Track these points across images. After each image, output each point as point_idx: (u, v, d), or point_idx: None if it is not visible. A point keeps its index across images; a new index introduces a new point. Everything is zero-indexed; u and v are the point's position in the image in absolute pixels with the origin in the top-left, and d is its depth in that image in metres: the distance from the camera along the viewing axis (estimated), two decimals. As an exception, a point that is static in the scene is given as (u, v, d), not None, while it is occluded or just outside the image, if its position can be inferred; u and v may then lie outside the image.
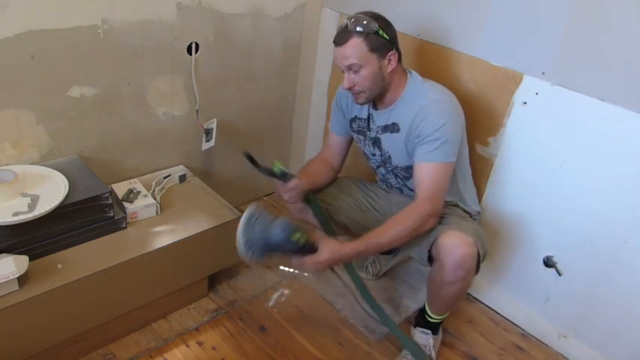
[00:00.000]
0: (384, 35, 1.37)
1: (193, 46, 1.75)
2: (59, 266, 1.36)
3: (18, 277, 1.24)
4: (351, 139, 1.70)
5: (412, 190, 1.62)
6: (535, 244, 1.70)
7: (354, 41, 1.35)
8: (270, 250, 1.27)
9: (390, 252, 1.95)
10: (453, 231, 1.37)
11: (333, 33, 2.06)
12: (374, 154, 1.62)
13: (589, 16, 1.39)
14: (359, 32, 1.34)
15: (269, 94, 2.13)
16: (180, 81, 1.78)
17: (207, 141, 1.93)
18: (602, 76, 1.40)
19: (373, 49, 1.36)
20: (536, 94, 1.55)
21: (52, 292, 1.29)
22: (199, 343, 1.58)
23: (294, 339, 1.64)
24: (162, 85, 1.73)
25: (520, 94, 1.58)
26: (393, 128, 1.50)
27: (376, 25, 1.35)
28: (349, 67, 1.39)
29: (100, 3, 1.47)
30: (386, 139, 1.53)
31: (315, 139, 2.39)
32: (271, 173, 1.49)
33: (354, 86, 1.42)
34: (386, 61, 1.40)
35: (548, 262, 1.66)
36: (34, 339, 1.32)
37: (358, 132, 1.63)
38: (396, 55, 1.41)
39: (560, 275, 1.65)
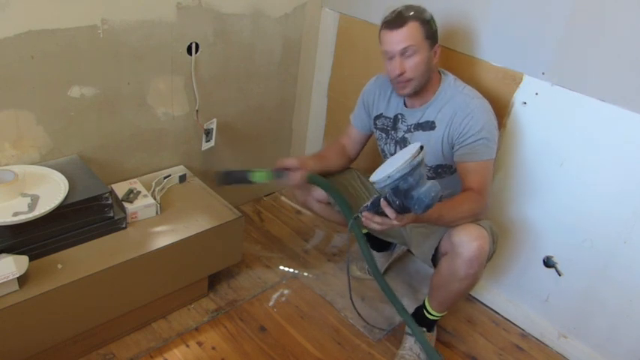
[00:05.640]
0: (434, 26, 1.41)
1: (193, 46, 1.75)
2: (59, 266, 1.36)
3: (18, 277, 1.24)
4: (370, 135, 1.71)
5: None
6: (535, 244, 1.70)
7: (412, 24, 1.37)
8: (399, 194, 1.17)
9: (387, 249, 1.96)
10: (470, 224, 1.38)
11: (333, 33, 2.10)
12: (392, 154, 1.62)
13: (589, 16, 1.39)
14: (416, 17, 1.37)
15: (269, 94, 2.13)
16: (181, 81, 1.78)
17: (207, 141, 1.93)
18: (602, 76, 1.41)
19: (428, 36, 1.40)
20: (536, 94, 1.55)
21: (52, 292, 1.29)
22: (199, 343, 1.58)
23: (294, 339, 1.64)
24: (162, 85, 1.73)
25: (520, 94, 1.58)
26: (427, 126, 1.50)
27: (430, 15, 1.40)
28: (403, 52, 1.38)
29: (100, 3, 1.47)
30: (417, 137, 1.52)
31: (315, 140, 2.39)
32: (265, 178, 1.47)
33: (404, 72, 1.41)
34: (433, 53, 1.43)
35: (548, 262, 1.66)
36: (34, 339, 1.32)
37: (382, 130, 1.63)
38: (440, 49, 1.45)
39: (560, 275, 1.65)
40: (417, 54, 1.39)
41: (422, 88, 1.47)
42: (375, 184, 1.15)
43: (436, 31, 1.43)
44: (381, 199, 1.22)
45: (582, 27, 1.41)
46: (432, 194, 1.13)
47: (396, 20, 1.38)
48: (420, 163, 1.12)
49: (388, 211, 1.21)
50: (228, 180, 1.47)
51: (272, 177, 1.47)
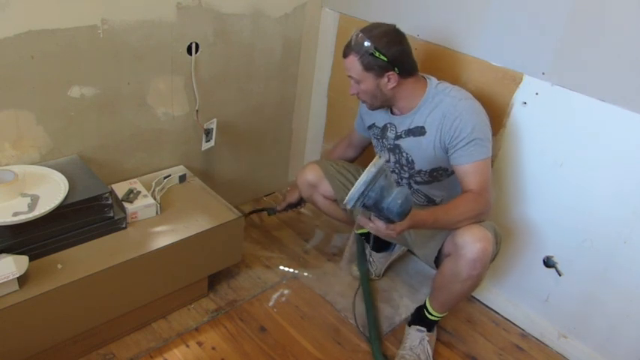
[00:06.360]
0: (381, 57, 1.39)
1: (193, 46, 1.75)
2: (59, 266, 1.36)
3: (18, 277, 1.24)
4: (370, 139, 1.76)
5: (425, 196, 1.63)
6: (535, 244, 1.70)
7: (351, 58, 1.44)
8: (372, 209, 1.23)
9: (387, 249, 1.96)
10: (474, 225, 1.38)
11: (333, 33, 2.10)
12: (388, 161, 1.64)
13: (589, 16, 1.39)
14: (355, 51, 1.41)
15: (269, 94, 2.13)
16: (181, 81, 1.78)
17: (207, 141, 1.93)
18: (602, 76, 1.41)
19: (367, 68, 1.42)
20: (536, 94, 1.55)
21: (52, 292, 1.29)
22: (199, 343, 1.58)
23: (294, 339, 1.64)
24: (162, 85, 1.73)
25: (520, 94, 1.58)
26: (417, 131, 1.50)
27: (372, 47, 1.39)
28: (350, 77, 1.47)
29: (100, 3, 1.47)
30: (409, 142, 1.54)
31: (315, 140, 2.39)
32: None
33: (358, 93, 1.50)
34: (384, 80, 1.44)
35: (548, 262, 1.66)
36: (34, 339, 1.32)
37: (375, 138, 1.67)
38: (396, 75, 1.43)
39: (560, 275, 1.65)
40: (360, 83, 1.46)
41: (392, 103, 1.51)
42: (346, 206, 1.21)
43: (388, 60, 1.39)
44: (371, 215, 1.28)
45: (582, 27, 1.41)
46: (399, 201, 1.18)
47: (344, 48, 1.45)
48: (375, 177, 1.16)
49: (378, 223, 1.27)
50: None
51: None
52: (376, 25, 1.44)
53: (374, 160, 1.20)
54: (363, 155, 1.92)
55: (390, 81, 1.43)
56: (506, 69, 1.59)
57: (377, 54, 1.39)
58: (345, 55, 1.45)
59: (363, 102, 1.54)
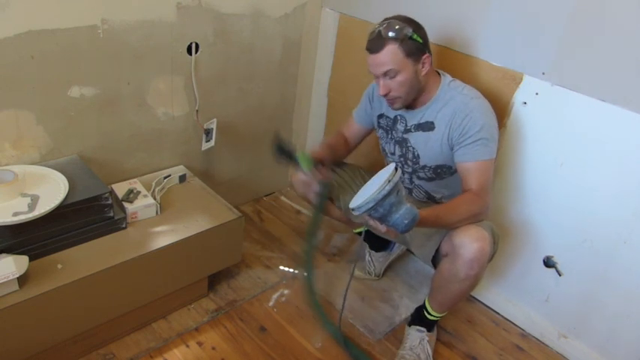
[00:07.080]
0: (418, 39, 1.37)
1: (193, 46, 1.75)
2: (59, 266, 1.36)
3: (18, 277, 1.24)
4: (370, 130, 1.73)
5: (425, 193, 1.62)
6: (535, 245, 1.70)
7: (389, 48, 1.36)
8: (377, 218, 1.23)
9: (386, 249, 1.96)
10: (471, 225, 1.38)
11: (333, 33, 2.10)
12: (393, 153, 1.64)
13: (589, 16, 1.39)
14: (394, 38, 1.35)
15: (269, 94, 2.13)
16: (181, 81, 1.78)
17: (207, 141, 1.93)
18: (602, 76, 1.41)
19: (409, 54, 1.37)
20: (536, 94, 1.55)
21: (52, 292, 1.29)
22: (199, 344, 1.58)
23: (294, 339, 1.64)
24: (162, 85, 1.73)
25: (520, 94, 1.58)
26: (426, 127, 1.50)
27: (410, 30, 1.36)
28: (385, 74, 1.40)
29: (100, 3, 1.47)
30: (417, 137, 1.53)
31: (315, 140, 2.39)
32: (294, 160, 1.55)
33: (389, 92, 1.43)
34: (420, 65, 1.41)
35: (548, 263, 1.66)
36: (34, 339, 1.32)
37: (384, 129, 1.65)
38: (430, 57, 1.42)
39: (560, 275, 1.65)
40: (399, 74, 1.39)
41: (417, 97, 1.48)
42: (352, 212, 1.22)
43: (422, 42, 1.39)
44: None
45: (582, 27, 1.41)
46: (406, 221, 1.20)
47: (374, 43, 1.38)
48: (387, 195, 1.17)
49: (379, 225, 1.26)
50: (279, 153, 1.54)
51: (310, 168, 1.53)
52: (392, 16, 1.41)
53: (390, 170, 1.19)
54: (356, 149, 1.89)
55: (424, 66, 1.41)
56: (506, 69, 1.59)
57: (414, 36, 1.36)
58: (379, 48, 1.36)
59: (394, 100, 1.46)
